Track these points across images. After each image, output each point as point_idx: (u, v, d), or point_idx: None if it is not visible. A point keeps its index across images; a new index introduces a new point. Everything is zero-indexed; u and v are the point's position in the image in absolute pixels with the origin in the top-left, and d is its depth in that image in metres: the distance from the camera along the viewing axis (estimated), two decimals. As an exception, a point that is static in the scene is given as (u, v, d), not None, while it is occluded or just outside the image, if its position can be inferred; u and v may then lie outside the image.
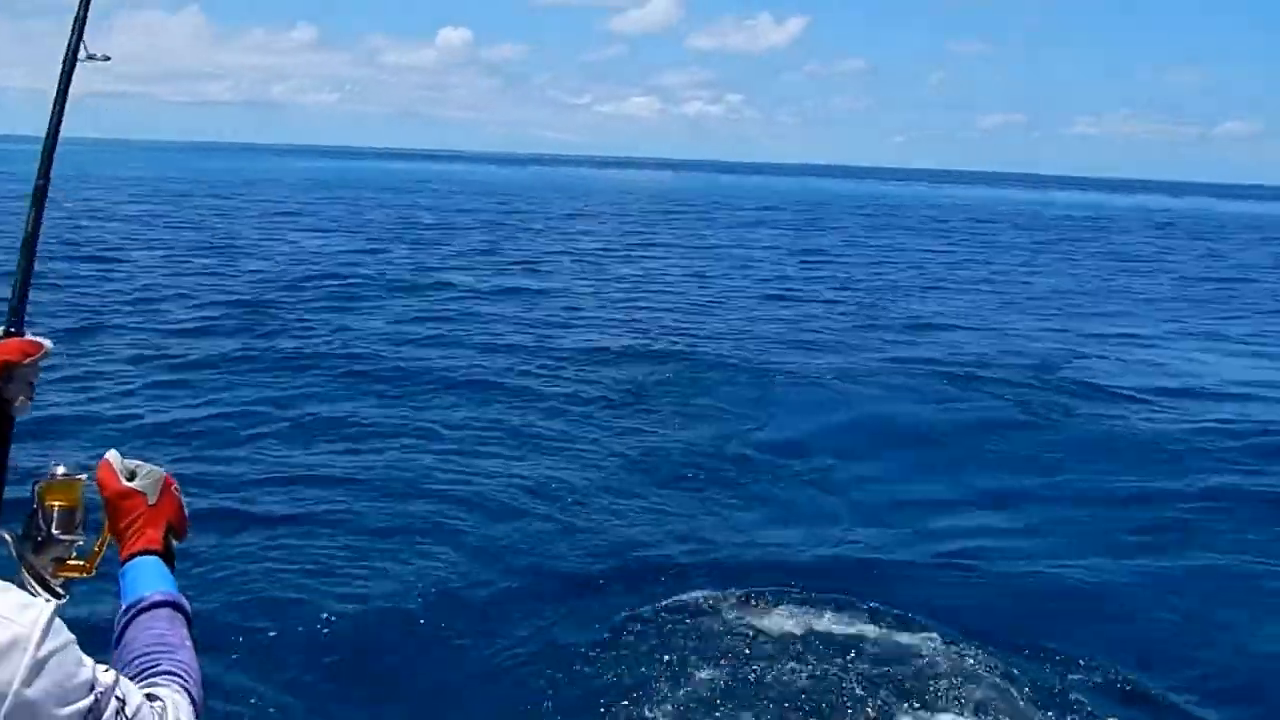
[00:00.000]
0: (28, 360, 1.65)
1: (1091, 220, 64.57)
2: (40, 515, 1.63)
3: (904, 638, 6.15)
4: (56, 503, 1.63)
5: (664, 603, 6.51)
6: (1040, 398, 12.93)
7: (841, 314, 19.84)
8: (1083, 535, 8.37)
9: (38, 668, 1.13)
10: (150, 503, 1.63)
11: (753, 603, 6.51)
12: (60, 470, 1.67)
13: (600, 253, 30.56)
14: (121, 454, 1.66)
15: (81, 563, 1.63)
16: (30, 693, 1.12)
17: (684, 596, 6.61)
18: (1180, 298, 25.24)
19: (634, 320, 18.01)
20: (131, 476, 1.61)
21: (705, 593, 6.66)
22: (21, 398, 1.65)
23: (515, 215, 46.59)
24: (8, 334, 1.75)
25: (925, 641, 6.08)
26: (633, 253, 31.05)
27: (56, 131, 2.03)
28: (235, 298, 18.19)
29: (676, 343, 15.76)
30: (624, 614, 6.36)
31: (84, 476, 1.68)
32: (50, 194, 2.02)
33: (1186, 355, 17.03)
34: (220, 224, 34.06)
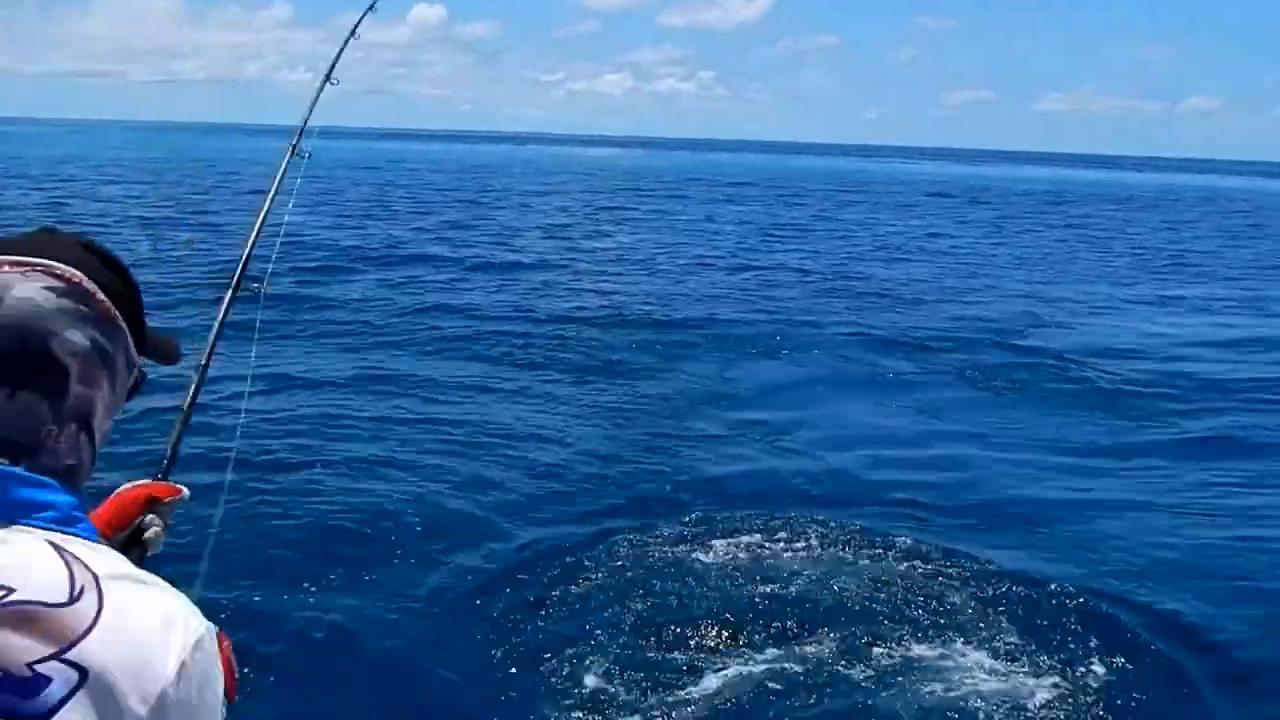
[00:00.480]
0: (168, 500, 1.72)
1: (1056, 195, 65.62)
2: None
3: (879, 561, 6.81)
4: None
5: (633, 536, 7.16)
6: (996, 356, 13.83)
7: (807, 283, 20.60)
8: (1040, 464, 9.32)
9: (199, 678, 1.09)
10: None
11: (715, 533, 7.20)
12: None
13: (572, 227, 31.12)
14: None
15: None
16: (188, 695, 1.07)
17: (648, 531, 7.28)
18: (1133, 267, 26.20)
19: (606, 290, 18.69)
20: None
21: (670, 527, 7.35)
22: (155, 531, 1.69)
23: (489, 193, 46.94)
24: (157, 478, 1.88)
25: (894, 563, 6.76)
26: (605, 228, 31.63)
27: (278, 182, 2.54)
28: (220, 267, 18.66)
29: (648, 311, 16.44)
30: (591, 547, 6.99)
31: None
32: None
33: (1133, 317, 17.93)
34: (194, 199, 34.25)
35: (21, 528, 1.07)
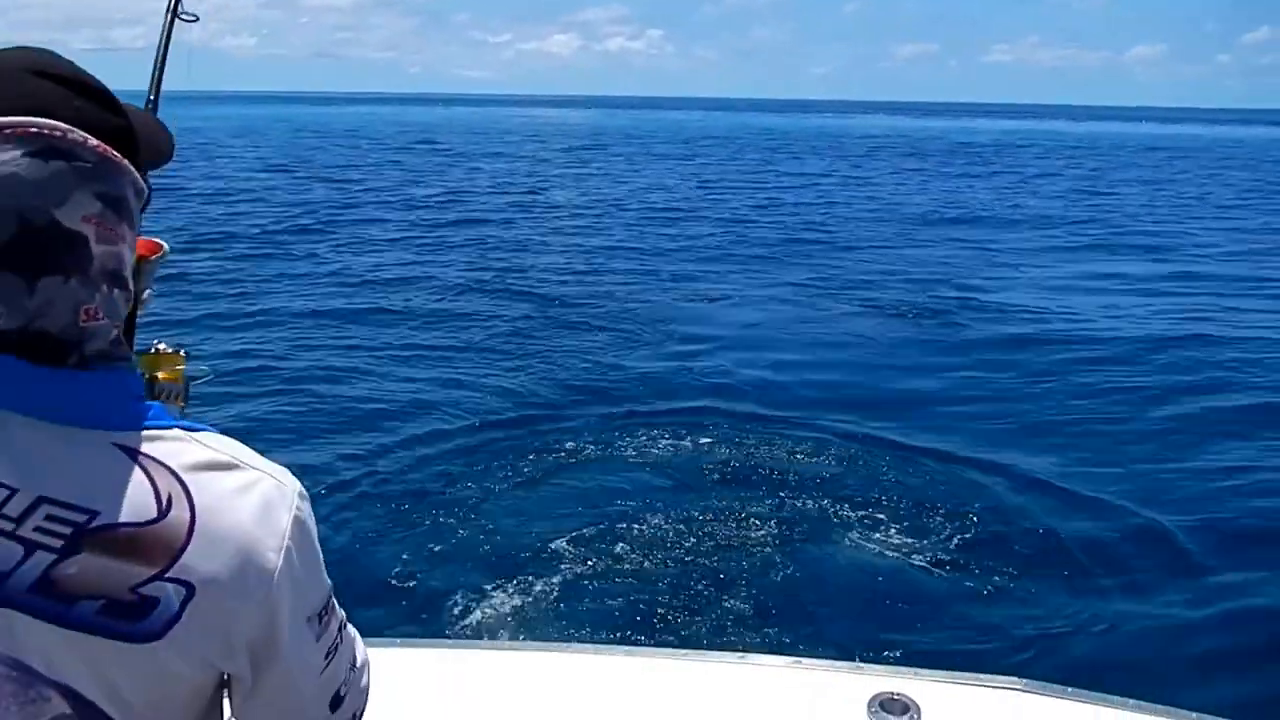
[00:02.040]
0: (153, 257, 1.61)
1: (998, 146, 67.09)
2: (152, 389, 1.66)
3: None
4: (162, 377, 1.67)
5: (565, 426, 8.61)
6: (922, 300, 14.97)
7: (747, 233, 21.88)
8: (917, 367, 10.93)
9: (301, 550, 1.05)
10: None
11: (634, 427, 8.58)
12: (162, 346, 1.71)
13: (521, 190, 31.96)
14: None
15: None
16: (295, 571, 1.04)
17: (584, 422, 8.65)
18: (1058, 214, 27.60)
19: (556, 247, 19.77)
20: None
21: (596, 422, 8.77)
22: (148, 292, 1.59)
23: (439, 155, 47.42)
24: None
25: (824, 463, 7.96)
26: (554, 187, 32.55)
27: (158, 86, 2.09)
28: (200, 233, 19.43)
29: (593, 266, 17.56)
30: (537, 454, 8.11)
31: (184, 351, 1.73)
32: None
33: (1053, 266, 19.32)
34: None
35: (90, 434, 0.98)
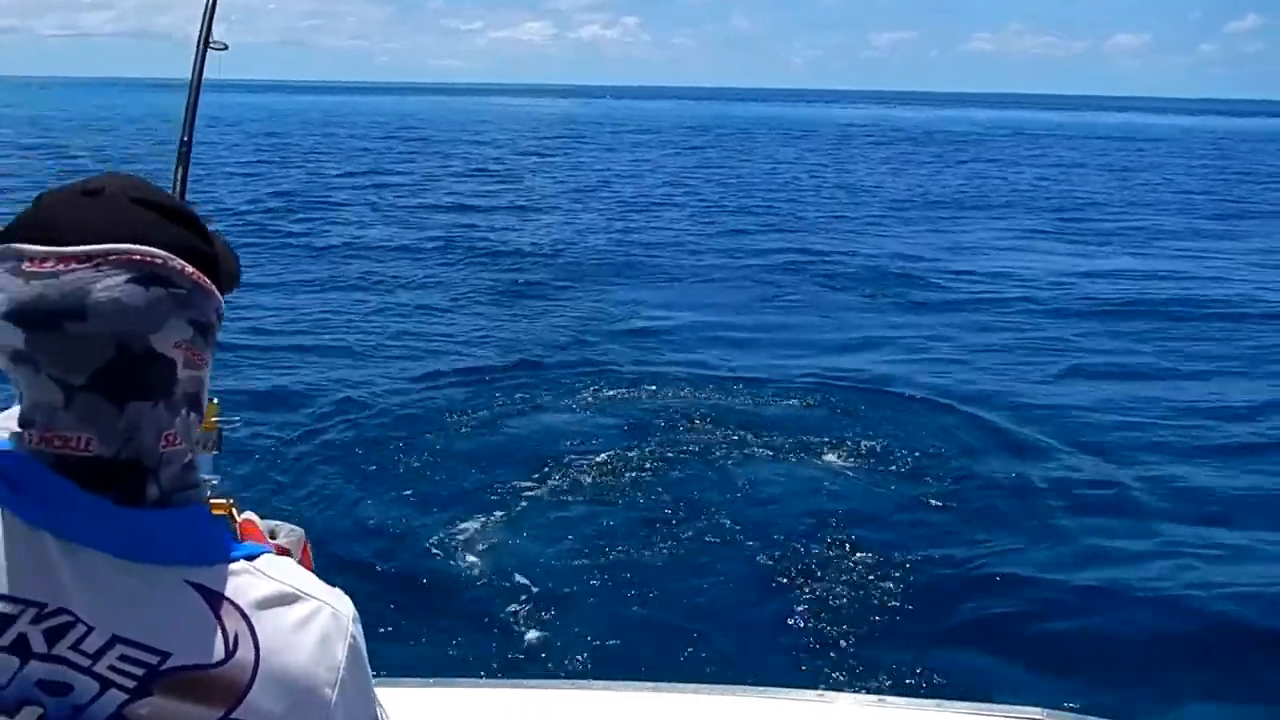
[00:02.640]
0: None
1: (974, 136, 67.73)
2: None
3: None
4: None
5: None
6: (870, 277, 15.75)
7: (710, 220, 22.26)
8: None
9: (353, 680, 1.06)
10: (295, 560, 1.56)
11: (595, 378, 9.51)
12: None
13: (492, 179, 32.12)
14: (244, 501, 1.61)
15: (224, 502, 1.56)
16: (348, 700, 1.05)
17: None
18: (1022, 204, 28.12)
19: (528, 230, 20.17)
20: (273, 536, 1.46)
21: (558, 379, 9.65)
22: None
23: (410, 143, 47.42)
24: None
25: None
26: (527, 173, 32.72)
27: (191, 125, 2.16)
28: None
29: (560, 249, 17.97)
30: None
31: (215, 400, 1.65)
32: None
33: (1007, 246, 19.76)
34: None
35: (166, 572, 1.00)
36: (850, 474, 7.55)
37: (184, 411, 1.06)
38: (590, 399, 9.04)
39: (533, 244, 18.19)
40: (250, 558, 1.06)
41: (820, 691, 2.62)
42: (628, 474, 7.35)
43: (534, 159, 39.24)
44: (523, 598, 5.73)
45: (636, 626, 5.56)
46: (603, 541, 6.39)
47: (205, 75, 2.24)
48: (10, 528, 0.99)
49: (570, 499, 7.00)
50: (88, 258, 0.98)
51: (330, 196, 24.44)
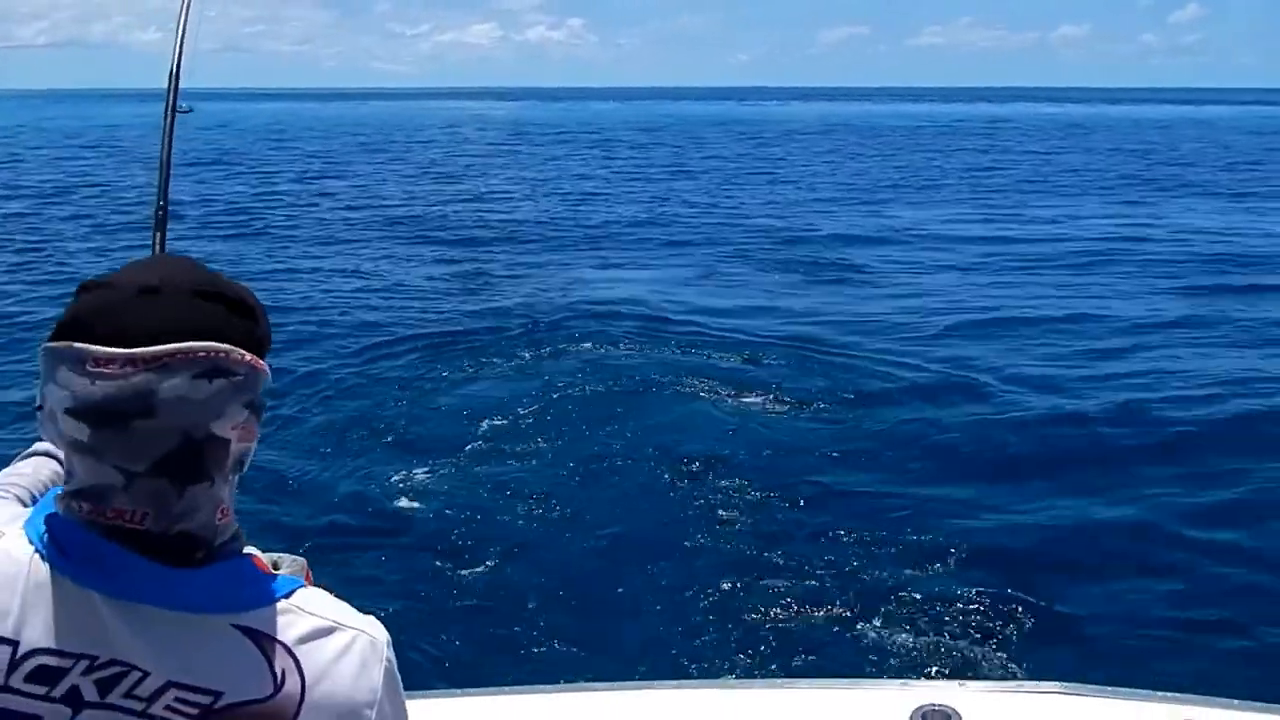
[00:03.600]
0: None
1: (916, 128, 69.05)
2: None
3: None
4: None
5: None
6: (801, 252, 17.19)
7: (658, 210, 23.23)
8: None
9: (390, 704, 1.14)
10: None
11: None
12: None
13: (443, 176, 32.67)
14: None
15: None
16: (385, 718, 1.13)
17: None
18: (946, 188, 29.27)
19: (472, 225, 20.83)
20: (276, 567, 1.38)
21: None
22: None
23: (360, 149, 47.60)
24: None
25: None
26: (475, 174, 33.31)
27: (167, 170, 2.36)
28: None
29: (505, 234, 18.87)
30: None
31: None
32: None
33: (924, 226, 20.84)
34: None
35: (214, 620, 1.06)
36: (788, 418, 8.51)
37: (232, 478, 1.12)
38: (511, 369, 9.96)
39: (474, 233, 19.28)
40: (288, 595, 1.12)
41: (852, 680, 2.66)
42: (554, 432, 8.02)
43: (482, 160, 39.73)
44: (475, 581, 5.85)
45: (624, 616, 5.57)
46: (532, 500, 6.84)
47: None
48: (59, 589, 1.03)
49: (503, 471, 7.42)
50: (154, 359, 1.01)
51: (279, 197, 24.89)
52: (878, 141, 52.59)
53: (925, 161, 38.80)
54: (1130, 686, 2.50)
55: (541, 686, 2.78)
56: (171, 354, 1.03)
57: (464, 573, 5.89)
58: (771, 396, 8.94)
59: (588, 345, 10.71)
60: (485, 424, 8.18)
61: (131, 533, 1.05)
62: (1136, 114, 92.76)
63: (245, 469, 1.15)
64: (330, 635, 1.11)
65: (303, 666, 1.07)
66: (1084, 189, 28.33)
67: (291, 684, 1.06)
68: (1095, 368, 10.19)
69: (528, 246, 17.78)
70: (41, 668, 1.01)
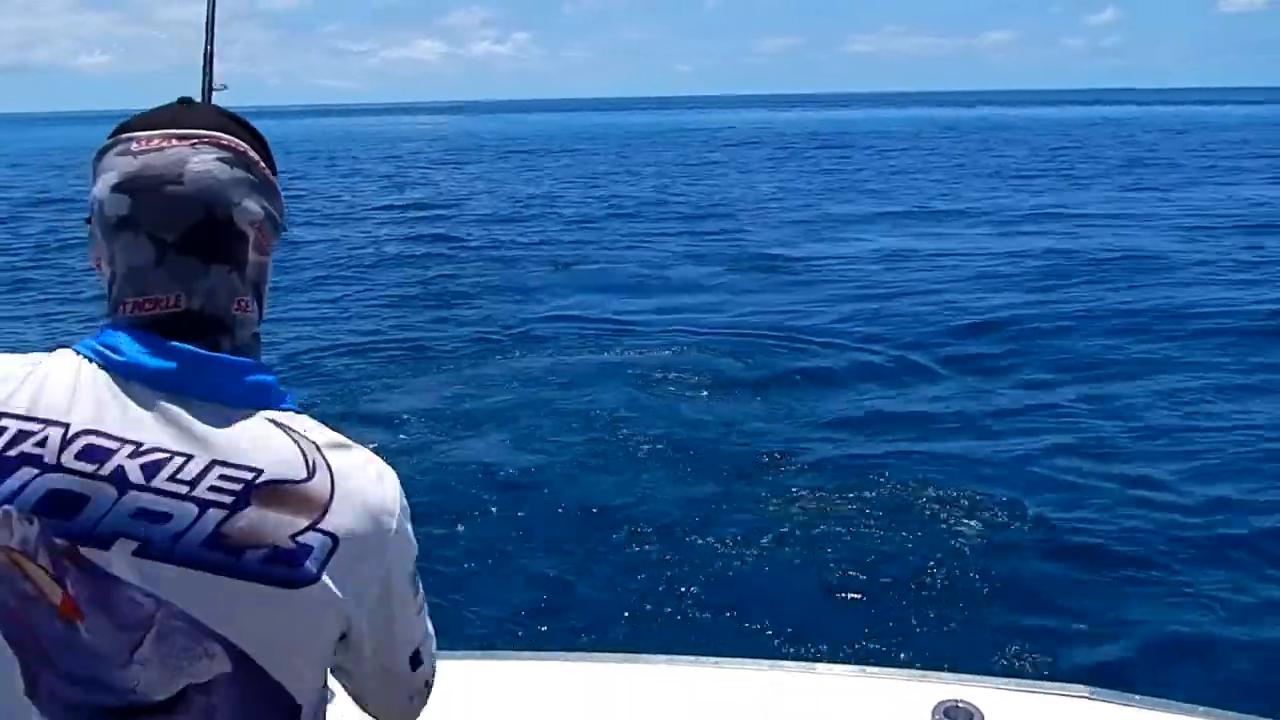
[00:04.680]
0: None
1: (843, 134, 70.77)
2: None
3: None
4: None
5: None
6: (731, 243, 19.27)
7: (596, 215, 25.09)
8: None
9: (406, 518, 1.20)
10: None
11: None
12: None
13: (390, 190, 33.93)
14: None
15: None
16: (404, 532, 1.19)
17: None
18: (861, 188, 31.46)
19: (414, 233, 22.38)
20: None
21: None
22: None
23: (301, 163, 48.47)
24: None
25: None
26: (418, 186, 34.61)
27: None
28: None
29: (452, 249, 20.44)
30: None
31: None
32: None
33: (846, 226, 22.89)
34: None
35: (249, 410, 1.14)
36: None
37: (252, 290, 1.22)
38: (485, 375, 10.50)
39: (422, 246, 20.33)
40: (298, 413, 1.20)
41: (863, 666, 2.69)
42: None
43: (430, 175, 40.56)
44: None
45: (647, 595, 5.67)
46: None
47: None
48: (104, 381, 1.12)
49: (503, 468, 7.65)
50: (185, 137, 1.17)
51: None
52: (810, 147, 54.05)
53: (862, 164, 40.63)
54: (1162, 698, 2.45)
55: (584, 654, 2.88)
56: (200, 136, 1.18)
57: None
58: (742, 382, 9.74)
59: (550, 347, 11.57)
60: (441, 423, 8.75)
61: (170, 319, 1.15)
62: (1060, 115, 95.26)
63: (264, 295, 1.25)
64: (350, 449, 1.19)
65: (330, 462, 1.15)
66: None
67: (322, 476, 1.14)
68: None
69: (479, 254, 18.99)
70: (89, 446, 1.08)
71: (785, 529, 6.36)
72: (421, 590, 1.26)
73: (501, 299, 14.81)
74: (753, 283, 15.77)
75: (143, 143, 1.16)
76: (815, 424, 8.70)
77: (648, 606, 5.49)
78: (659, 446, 7.91)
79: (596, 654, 2.96)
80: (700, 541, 6.21)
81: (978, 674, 2.59)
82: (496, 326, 12.78)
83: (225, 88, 2.09)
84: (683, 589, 5.63)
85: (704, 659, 2.67)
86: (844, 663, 2.63)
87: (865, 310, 13.42)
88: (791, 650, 4.83)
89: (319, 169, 44.16)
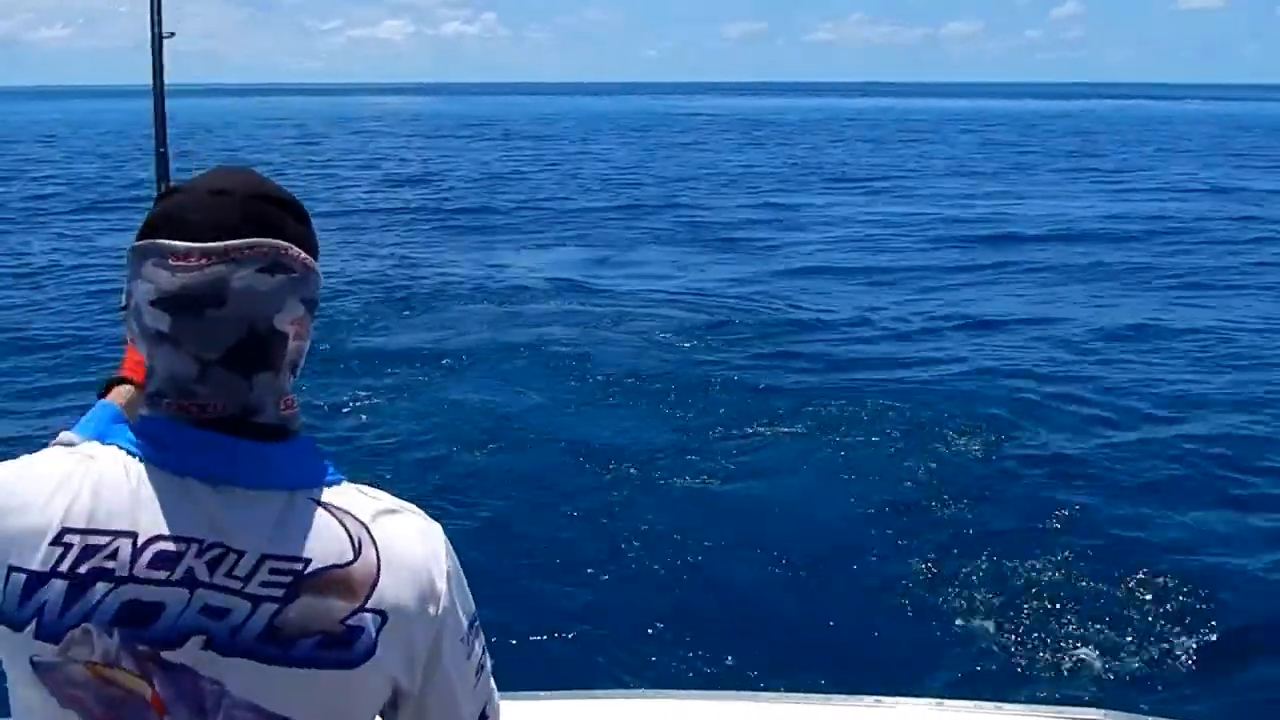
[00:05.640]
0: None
1: (802, 123, 71.65)
2: None
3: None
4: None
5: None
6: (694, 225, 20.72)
7: (558, 197, 26.19)
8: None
9: (456, 575, 1.22)
10: None
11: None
12: None
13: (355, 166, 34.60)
14: None
15: None
16: (454, 593, 1.21)
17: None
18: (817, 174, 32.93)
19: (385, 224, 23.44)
20: None
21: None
22: None
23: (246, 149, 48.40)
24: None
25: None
26: (385, 159, 35.37)
27: (161, 105, 2.19)
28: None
29: (421, 217, 21.72)
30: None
31: None
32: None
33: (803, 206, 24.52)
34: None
35: (293, 496, 1.15)
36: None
37: (290, 376, 1.22)
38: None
39: (393, 215, 21.57)
40: (349, 483, 1.22)
41: (877, 698, 2.55)
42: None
43: (393, 155, 40.77)
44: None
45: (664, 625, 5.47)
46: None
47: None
48: (162, 481, 1.13)
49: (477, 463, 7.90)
50: (225, 253, 1.13)
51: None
52: (766, 134, 55.10)
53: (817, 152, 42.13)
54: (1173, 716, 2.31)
55: (599, 691, 2.76)
56: (240, 248, 1.14)
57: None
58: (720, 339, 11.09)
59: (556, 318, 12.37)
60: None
61: (216, 420, 1.15)
62: (1017, 109, 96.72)
63: (299, 371, 1.24)
64: (395, 514, 1.21)
65: (375, 537, 1.17)
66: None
67: (368, 553, 1.15)
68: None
69: (446, 228, 20.08)
70: (161, 553, 1.10)
71: (776, 542, 6.37)
72: (481, 646, 1.27)
73: (460, 266, 15.62)
74: (710, 256, 17.16)
75: (180, 258, 1.13)
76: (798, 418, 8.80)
77: (625, 632, 5.46)
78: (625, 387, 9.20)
79: (593, 691, 2.84)
80: (690, 558, 6.20)
81: (991, 699, 2.56)
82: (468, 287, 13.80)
83: (174, 34, 2.06)
84: (688, 620, 5.53)
85: (712, 692, 2.71)
86: (858, 693, 2.54)
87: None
88: (783, 680, 4.65)
89: (286, 145, 43.96)
